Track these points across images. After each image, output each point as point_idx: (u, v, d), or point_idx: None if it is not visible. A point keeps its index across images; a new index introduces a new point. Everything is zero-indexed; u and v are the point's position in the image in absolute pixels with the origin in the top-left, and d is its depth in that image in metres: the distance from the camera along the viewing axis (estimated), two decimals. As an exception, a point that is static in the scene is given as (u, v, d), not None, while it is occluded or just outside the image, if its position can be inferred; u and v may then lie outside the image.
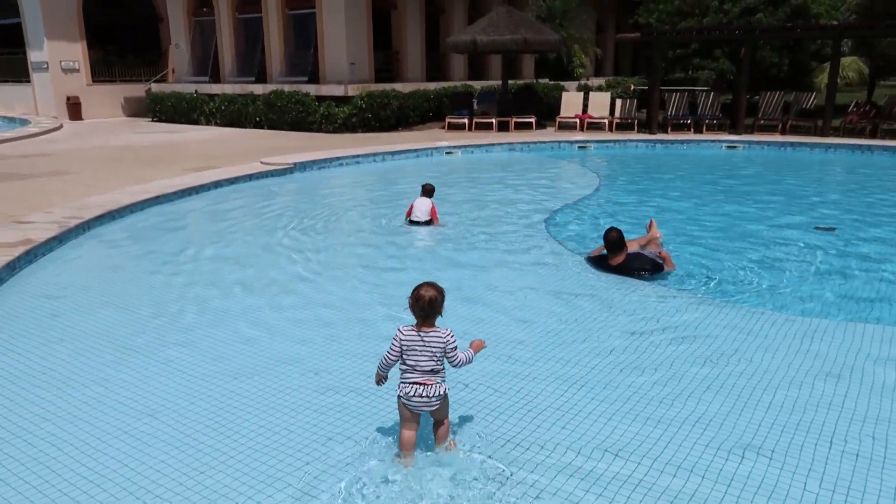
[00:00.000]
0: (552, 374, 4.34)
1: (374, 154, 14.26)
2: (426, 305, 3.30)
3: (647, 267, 6.42)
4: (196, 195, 10.42)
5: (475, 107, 19.72)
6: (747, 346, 4.75)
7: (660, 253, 6.71)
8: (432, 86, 21.40)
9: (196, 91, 22.61)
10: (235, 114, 20.94)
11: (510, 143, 16.03)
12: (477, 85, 22.40)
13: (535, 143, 16.21)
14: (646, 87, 20.73)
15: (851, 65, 22.71)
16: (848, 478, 3.21)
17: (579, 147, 16.22)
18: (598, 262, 6.67)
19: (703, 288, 6.27)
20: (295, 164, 12.74)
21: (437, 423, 3.45)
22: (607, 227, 6.75)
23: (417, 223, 8.42)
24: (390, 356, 3.39)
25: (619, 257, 6.43)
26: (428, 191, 8.63)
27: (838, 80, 17.81)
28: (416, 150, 14.87)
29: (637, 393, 4.08)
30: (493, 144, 15.87)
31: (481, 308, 5.59)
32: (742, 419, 3.75)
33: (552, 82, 24.69)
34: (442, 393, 3.36)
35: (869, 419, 3.75)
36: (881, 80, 26.86)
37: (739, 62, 18.24)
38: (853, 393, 4.06)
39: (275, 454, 3.46)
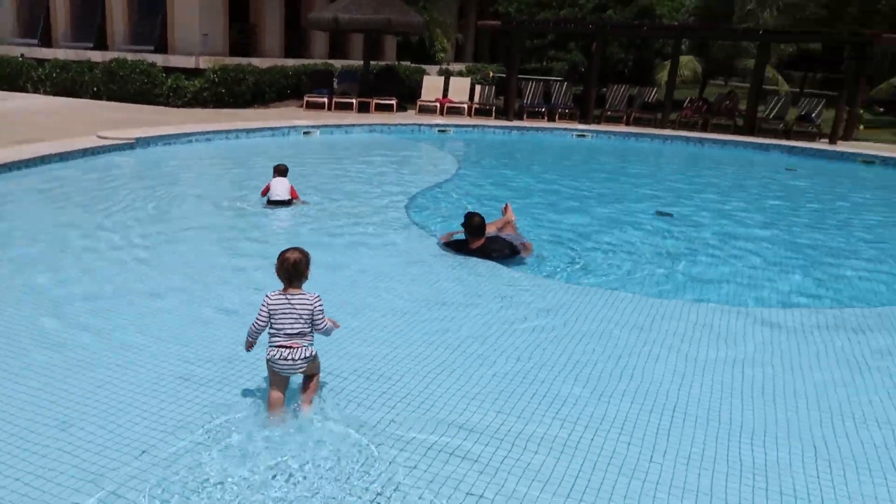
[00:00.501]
0: (413, 355, 4.30)
1: (228, 131, 13.52)
2: (290, 268, 3.40)
3: (504, 250, 6.57)
4: (16, 171, 9.32)
5: (335, 86, 19.29)
6: (603, 327, 4.97)
7: (523, 244, 6.88)
8: (291, 62, 20.65)
9: (22, 55, 20.31)
10: (69, 82, 19.05)
11: (371, 125, 15.84)
12: (338, 64, 21.90)
13: (395, 125, 16.14)
14: (504, 75, 21.27)
15: (688, 64, 24.62)
16: (700, 449, 3.44)
17: (439, 131, 16.35)
18: (457, 246, 6.72)
19: (557, 270, 6.51)
20: (137, 139, 11.77)
21: (307, 380, 3.56)
22: (467, 210, 6.82)
23: (277, 203, 8.09)
24: (259, 321, 3.43)
25: (479, 241, 6.52)
26: (281, 171, 8.33)
27: (676, 78, 19.24)
28: (272, 129, 14.28)
29: (498, 375, 4.13)
30: (354, 125, 15.62)
31: (342, 290, 5.44)
32: (595, 395, 3.91)
33: (414, 65, 24.66)
34: (308, 355, 3.44)
35: (714, 392, 4.05)
36: (712, 79, 29.38)
37: (591, 56, 19.18)
38: (689, 370, 4.36)
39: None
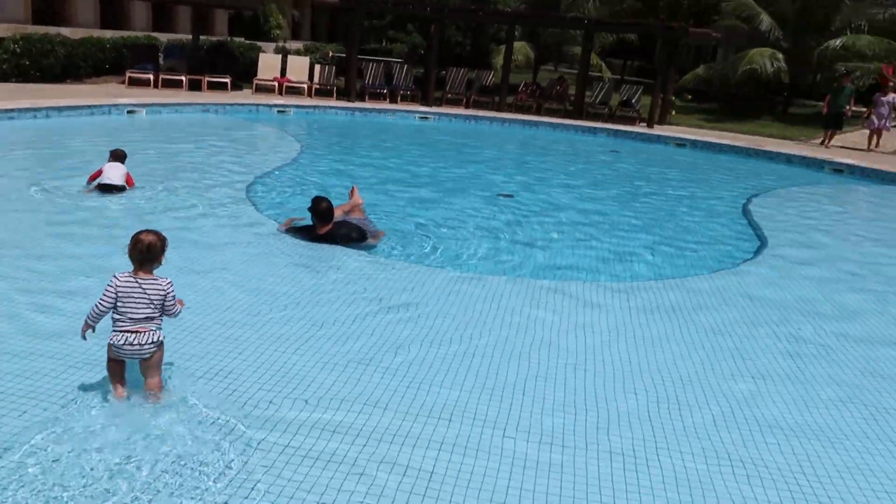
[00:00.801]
0: (261, 344, 4.10)
1: (35, 109, 12.07)
2: (144, 249, 3.28)
3: (353, 234, 6.46)
4: None
5: (162, 62, 17.91)
6: (448, 306, 5.05)
7: (374, 231, 6.80)
8: (109, 34, 18.85)
9: None
10: None
11: (204, 104, 14.90)
12: (163, 38, 20.35)
13: (231, 104, 15.31)
14: (344, 55, 20.91)
15: (521, 49, 25.59)
16: (540, 419, 3.59)
17: (279, 111, 15.75)
18: (303, 232, 6.51)
19: (405, 253, 6.52)
20: (-78, 116, 10.21)
21: (150, 373, 3.38)
22: (311, 195, 6.63)
23: (108, 188, 7.38)
24: (104, 303, 3.25)
25: (326, 226, 6.35)
26: (118, 156, 7.69)
27: (511, 63, 19.94)
28: (90, 107, 12.97)
29: (347, 355, 4.10)
30: (185, 104, 14.60)
31: (180, 283, 5.04)
32: (442, 369, 3.97)
33: (248, 42, 23.51)
34: (156, 340, 3.32)
35: (550, 364, 4.25)
36: (543, 64, 30.81)
37: (430, 38, 19.35)
38: (532, 341, 4.56)
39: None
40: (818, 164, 14.27)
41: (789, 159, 14.71)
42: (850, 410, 4.00)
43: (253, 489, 2.86)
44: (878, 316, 5.69)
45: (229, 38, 23.62)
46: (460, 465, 3.15)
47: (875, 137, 16.01)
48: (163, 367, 3.45)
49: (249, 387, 3.69)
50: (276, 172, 9.75)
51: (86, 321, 3.33)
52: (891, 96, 15.70)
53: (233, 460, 3.03)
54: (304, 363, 4.02)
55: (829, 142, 16.29)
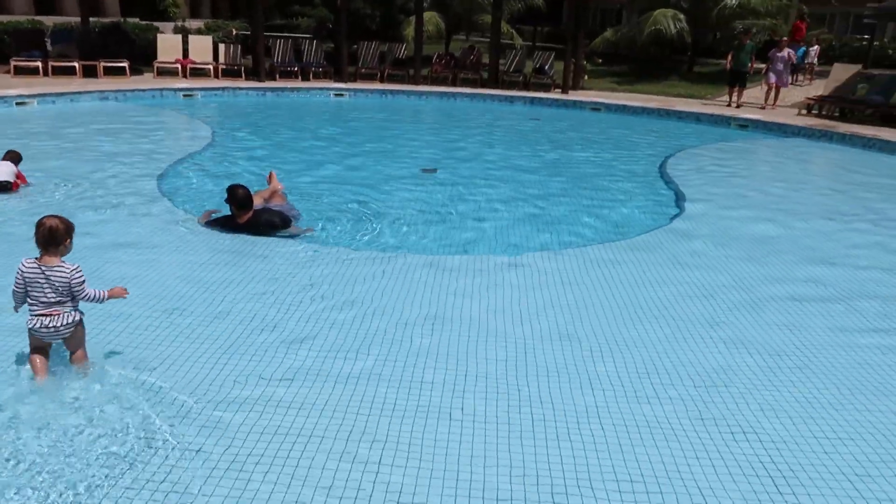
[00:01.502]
0: (185, 348, 3.88)
1: None
2: (46, 233, 3.30)
3: (275, 221, 6.20)
4: None
5: (50, 48, 16.69)
6: (375, 288, 4.93)
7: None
8: (-14, 20, 17.41)
9: None
10: None
11: (102, 91, 13.99)
12: (48, 21, 18.95)
13: (132, 90, 14.44)
14: (249, 33, 20.06)
15: (431, 19, 25.24)
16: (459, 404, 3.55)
17: (184, 95, 14.99)
18: (223, 222, 6.21)
19: (332, 237, 6.33)
20: None
21: (74, 349, 3.51)
22: (227, 183, 6.32)
23: None
24: (15, 288, 3.38)
25: (246, 214, 6.06)
26: (12, 156, 7.20)
27: (423, 34, 19.66)
28: (-28, 101, 11.97)
29: (273, 344, 3.98)
30: (81, 93, 13.67)
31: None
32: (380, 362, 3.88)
33: (144, 22, 22.20)
34: (71, 321, 3.40)
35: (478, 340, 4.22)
36: (455, 34, 30.57)
37: (338, 11, 18.79)
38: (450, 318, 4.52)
39: None
40: (725, 122, 14.82)
41: (698, 118, 15.20)
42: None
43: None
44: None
45: (123, 20, 22.22)
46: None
47: (773, 93, 16.58)
48: (86, 342, 3.57)
49: (185, 367, 3.49)
50: (188, 161, 9.26)
51: (13, 300, 3.45)
52: (786, 52, 16.31)
53: (152, 435, 3.14)
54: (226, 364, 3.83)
55: (739, 99, 16.33)
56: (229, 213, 6.13)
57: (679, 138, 13.14)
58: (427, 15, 23.39)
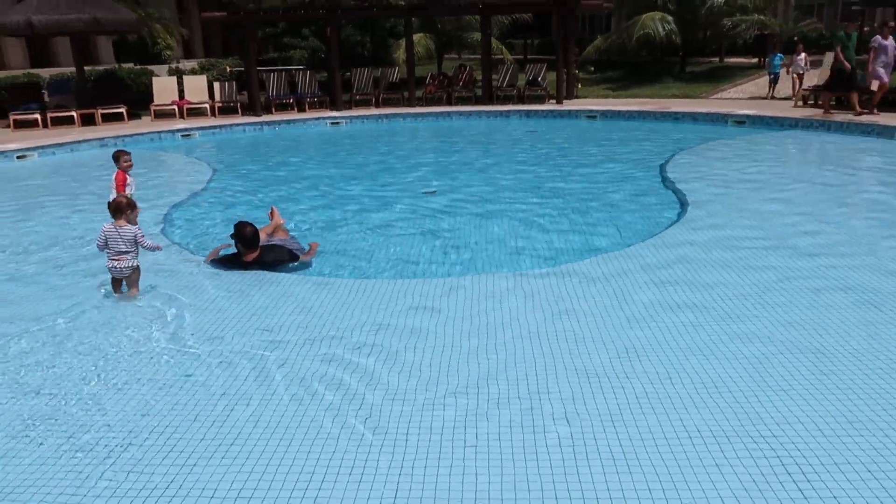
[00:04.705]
0: (212, 392, 3.87)
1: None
2: (114, 206, 5.30)
3: (283, 257, 6.19)
4: None
5: (47, 99, 16.87)
6: (390, 316, 4.90)
7: (309, 250, 6.55)
8: (-18, 77, 17.61)
9: None
10: None
11: (101, 139, 14.11)
12: (45, 74, 19.15)
13: (131, 135, 14.56)
14: (243, 69, 20.24)
15: (420, 41, 25.46)
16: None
17: (183, 136, 15.10)
18: (230, 262, 6.20)
19: (341, 266, 6.32)
20: None
21: (130, 285, 5.41)
22: (231, 220, 6.33)
23: None
24: (98, 242, 5.33)
25: (254, 253, 6.05)
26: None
27: (414, 56, 19.78)
28: (-26, 158, 12.08)
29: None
30: (80, 142, 13.79)
31: (115, 325, 4.72)
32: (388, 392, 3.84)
33: (139, 67, 22.42)
34: (131, 265, 5.31)
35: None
36: (446, 53, 30.77)
37: (328, 41, 18.95)
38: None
39: None
40: (721, 119, 14.80)
41: (694, 117, 15.19)
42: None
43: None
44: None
45: (117, 66, 22.47)
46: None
47: (878, 95, 13.45)
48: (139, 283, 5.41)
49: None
50: (190, 201, 9.31)
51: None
52: (890, 40, 13.27)
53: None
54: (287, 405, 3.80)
55: (863, 110, 13.31)
56: (236, 250, 6.12)
57: (678, 139, 13.12)
58: (417, 37, 23.60)
